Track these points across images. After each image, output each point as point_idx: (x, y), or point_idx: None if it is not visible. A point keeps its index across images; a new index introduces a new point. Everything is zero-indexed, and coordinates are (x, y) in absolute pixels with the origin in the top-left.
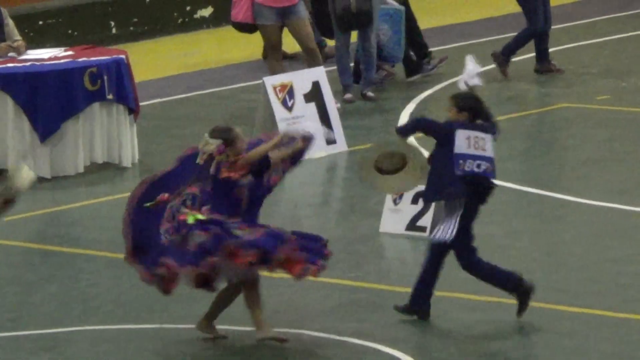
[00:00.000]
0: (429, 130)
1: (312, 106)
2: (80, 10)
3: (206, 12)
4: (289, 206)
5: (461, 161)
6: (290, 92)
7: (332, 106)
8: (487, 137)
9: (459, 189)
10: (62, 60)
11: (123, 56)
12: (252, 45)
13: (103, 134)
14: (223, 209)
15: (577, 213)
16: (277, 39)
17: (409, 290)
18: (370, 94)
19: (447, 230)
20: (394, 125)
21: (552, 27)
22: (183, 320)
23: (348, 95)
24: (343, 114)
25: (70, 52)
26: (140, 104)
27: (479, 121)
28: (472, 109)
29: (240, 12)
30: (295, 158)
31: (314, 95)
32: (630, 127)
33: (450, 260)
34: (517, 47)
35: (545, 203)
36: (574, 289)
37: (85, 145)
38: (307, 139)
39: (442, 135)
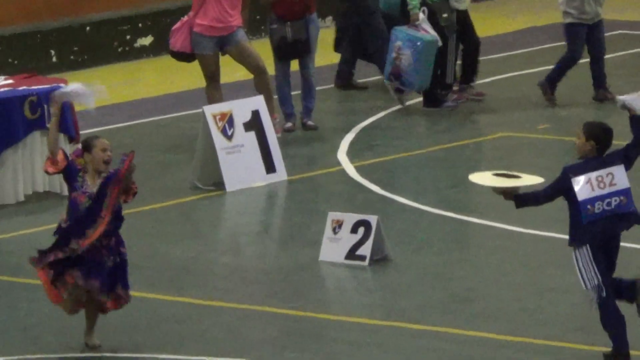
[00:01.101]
0: (554, 197)
1: (251, 135)
2: (20, 39)
3: (146, 41)
4: (229, 234)
5: (589, 206)
6: (230, 121)
7: (272, 135)
8: (613, 170)
9: (584, 236)
10: (1, 89)
11: (63, 85)
12: (192, 74)
13: (44, 163)
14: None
15: (518, 242)
16: (215, 68)
17: (349, 319)
18: (310, 122)
19: (591, 279)
20: (335, 153)
21: (493, 56)
22: (123, 350)
23: (288, 124)
24: (283, 142)
25: (10, 81)
26: (80, 132)
27: (605, 154)
28: (598, 137)
29: (178, 41)
30: None
31: (254, 124)
32: (571, 156)
33: (392, 288)
34: (559, 75)
35: (486, 233)
36: (514, 319)
37: (25, 173)
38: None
39: (565, 190)
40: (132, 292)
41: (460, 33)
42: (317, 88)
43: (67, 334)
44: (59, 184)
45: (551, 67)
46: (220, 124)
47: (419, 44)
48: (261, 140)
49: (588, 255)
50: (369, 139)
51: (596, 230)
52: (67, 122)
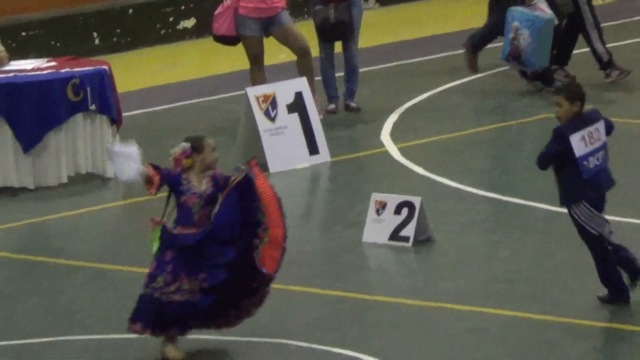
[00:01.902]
0: (557, 159)
1: (295, 117)
2: (63, 22)
3: (189, 23)
4: None
5: (585, 162)
6: (273, 103)
7: (315, 116)
8: (598, 125)
9: (583, 192)
10: (44, 72)
11: (106, 67)
12: (234, 56)
13: (86, 145)
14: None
15: (561, 223)
16: (259, 50)
17: (391, 300)
18: (353, 104)
19: (600, 224)
20: (378, 135)
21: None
22: None
23: (331, 106)
24: (326, 124)
25: (53, 63)
26: (123, 115)
27: (585, 109)
28: (582, 96)
29: (222, 25)
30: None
31: (297, 105)
32: (615, 138)
33: (435, 270)
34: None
35: (529, 214)
36: (558, 300)
37: (68, 155)
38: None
39: (565, 150)
40: None
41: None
42: (360, 70)
43: (110, 317)
44: (102, 166)
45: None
46: (263, 105)
47: (537, 23)
48: (304, 122)
49: (587, 208)
50: (413, 120)
51: (593, 186)
52: (110, 104)
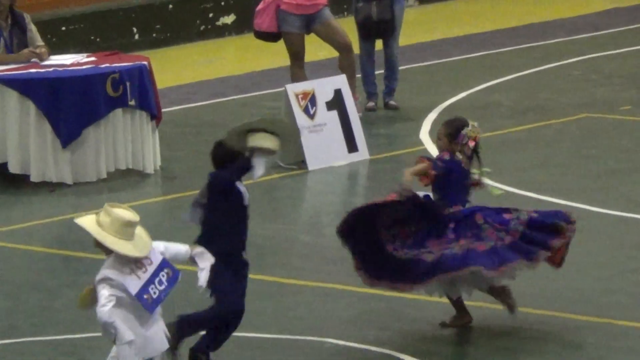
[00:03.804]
0: None
1: (334, 114)
2: (102, 17)
3: (228, 19)
4: (310, 213)
5: None
6: (312, 100)
7: (354, 114)
8: None
9: None
10: (84, 66)
11: (145, 62)
12: (274, 53)
13: (125, 140)
14: None
15: (599, 223)
16: (300, 46)
17: (430, 298)
18: (392, 102)
19: None
20: (417, 133)
21: (577, 36)
22: None
23: (371, 104)
24: (365, 122)
25: (92, 58)
26: (162, 110)
27: None
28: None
29: (264, 22)
30: None
31: (336, 103)
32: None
33: None
34: None
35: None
36: (595, 300)
37: (107, 151)
38: None
39: None
40: None
41: None
42: (400, 68)
43: None
44: (141, 162)
45: (636, 47)
46: (302, 102)
47: None
48: (343, 119)
49: None
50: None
51: None
52: (149, 99)
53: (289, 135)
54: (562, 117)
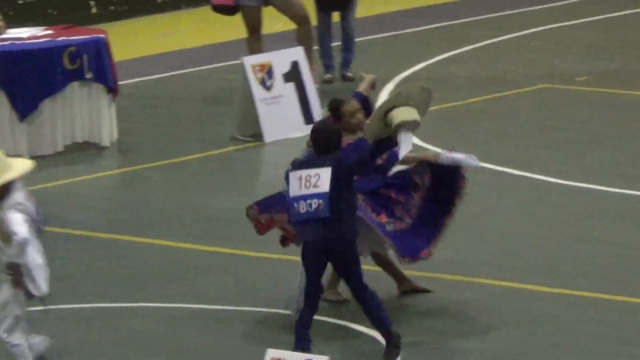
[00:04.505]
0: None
1: (291, 86)
2: None
3: None
4: (267, 185)
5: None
6: (270, 72)
7: (311, 86)
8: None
9: None
10: (41, 40)
11: (102, 36)
12: (231, 26)
13: (82, 114)
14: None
15: (557, 194)
16: (258, 19)
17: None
18: (349, 74)
19: None
20: (373, 105)
21: (535, 7)
22: (159, 299)
23: (328, 76)
24: (322, 93)
25: (49, 32)
26: (120, 83)
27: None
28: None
29: None
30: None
31: (293, 75)
32: (610, 109)
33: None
34: None
35: (524, 184)
36: (554, 270)
37: (64, 124)
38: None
39: None
40: (170, 243)
41: None
42: (357, 40)
43: (103, 284)
44: (97, 136)
45: (594, 18)
46: (259, 74)
47: None
48: (300, 91)
49: None
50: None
51: None
52: (106, 72)
53: (425, 99)
54: (520, 88)
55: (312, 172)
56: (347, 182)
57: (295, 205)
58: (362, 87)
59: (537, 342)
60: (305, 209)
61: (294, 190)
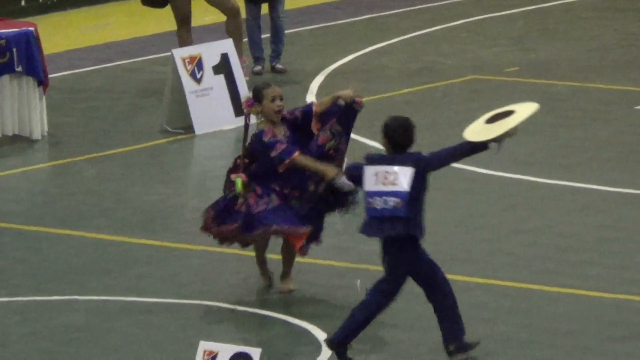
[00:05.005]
0: None
1: (220, 78)
2: None
3: None
4: (198, 177)
5: None
6: (199, 64)
7: (241, 78)
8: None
9: None
10: None
11: (32, 28)
12: (161, 18)
13: (12, 107)
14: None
15: (486, 185)
16: (187, 11)
17: (320, 262)
18: (279, 66)
19: None
20: (303, 97)
21: None
22: (93, 292)
23: (257, 68)
24: (252, 86)
25: None
26: (50, 76)
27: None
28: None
29: None
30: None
31: (223, 67)
32: (539, 99)
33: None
34: None
35: (453, 175)
36: (484, 261)
37: None
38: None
39: None
40: (102, 236)
41: None
42: (287, 31)
43: (37, 277)
44: (29, 128)
45: (522, 9)
46: (189, 67)
47: None
48: (230, 84)
49: None
50: (339, 82)
51: None
52: (36, 65)
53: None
54: (448, 79)
55: (390, 169)
56: (424, 181)
57: (370, 200)
58: (324, 100)
59: (472, 332)
60: (381, 205)
61: (369, 185)
